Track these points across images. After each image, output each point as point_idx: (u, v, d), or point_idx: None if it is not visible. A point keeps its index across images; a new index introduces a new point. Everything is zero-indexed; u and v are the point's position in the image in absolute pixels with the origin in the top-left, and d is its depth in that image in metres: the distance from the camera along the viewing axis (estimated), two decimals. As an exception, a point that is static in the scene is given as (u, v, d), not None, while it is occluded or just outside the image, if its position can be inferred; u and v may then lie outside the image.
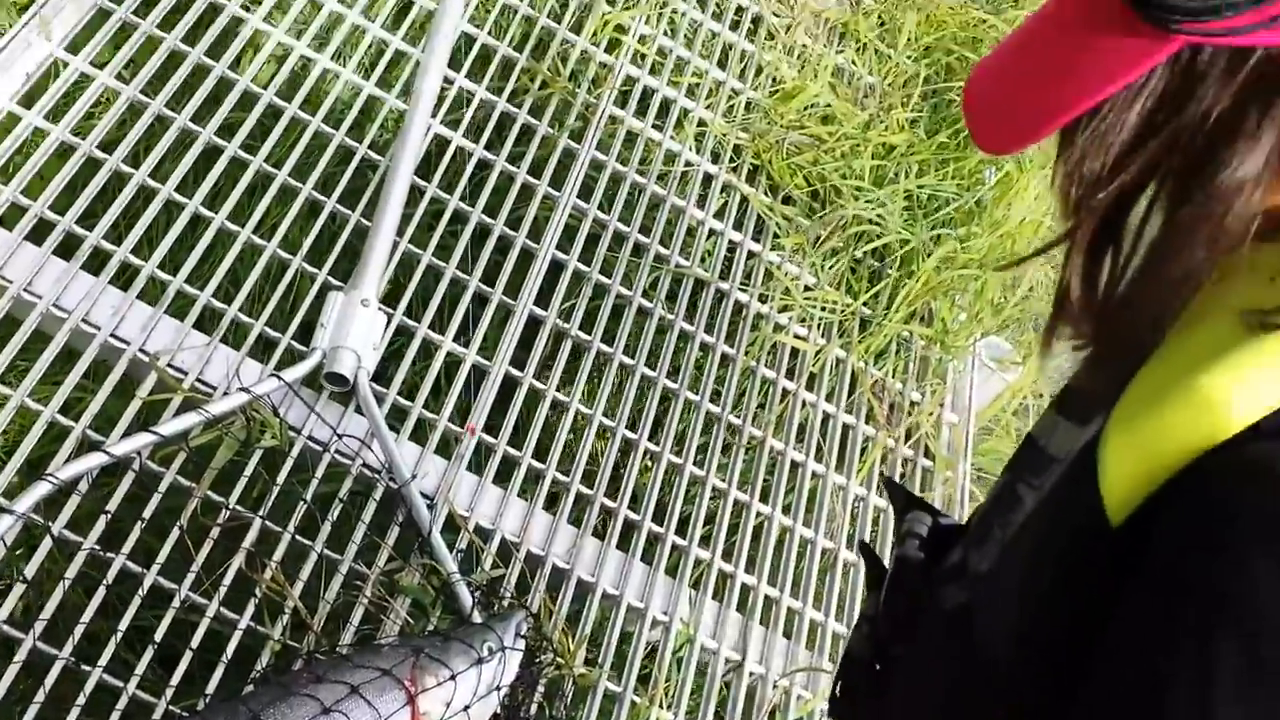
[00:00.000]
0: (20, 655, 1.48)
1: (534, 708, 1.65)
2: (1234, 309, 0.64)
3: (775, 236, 2.35)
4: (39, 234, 1.77)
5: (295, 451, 1.73)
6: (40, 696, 1.46)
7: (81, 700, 1.47)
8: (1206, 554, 0.60)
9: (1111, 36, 0.60)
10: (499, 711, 1.58)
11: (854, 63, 2.69)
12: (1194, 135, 0.60)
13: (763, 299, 2.27)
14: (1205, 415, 0.61)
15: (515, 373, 1.97)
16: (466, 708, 1.51)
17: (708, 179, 2.38)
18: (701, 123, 2.43)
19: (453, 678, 1.50)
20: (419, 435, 1.86)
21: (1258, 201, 0.60)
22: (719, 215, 2.34)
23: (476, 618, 1.67)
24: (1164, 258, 0.63)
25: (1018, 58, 0.67)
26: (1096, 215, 0.66)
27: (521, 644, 1.59)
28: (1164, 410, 0.63)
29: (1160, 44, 0.58)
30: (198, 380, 1.74)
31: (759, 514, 2.03)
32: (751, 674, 1.88)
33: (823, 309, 2.30)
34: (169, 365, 1.73)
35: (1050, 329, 0.71)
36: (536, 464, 1.90)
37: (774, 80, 2.57)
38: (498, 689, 1.55)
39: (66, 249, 1.78)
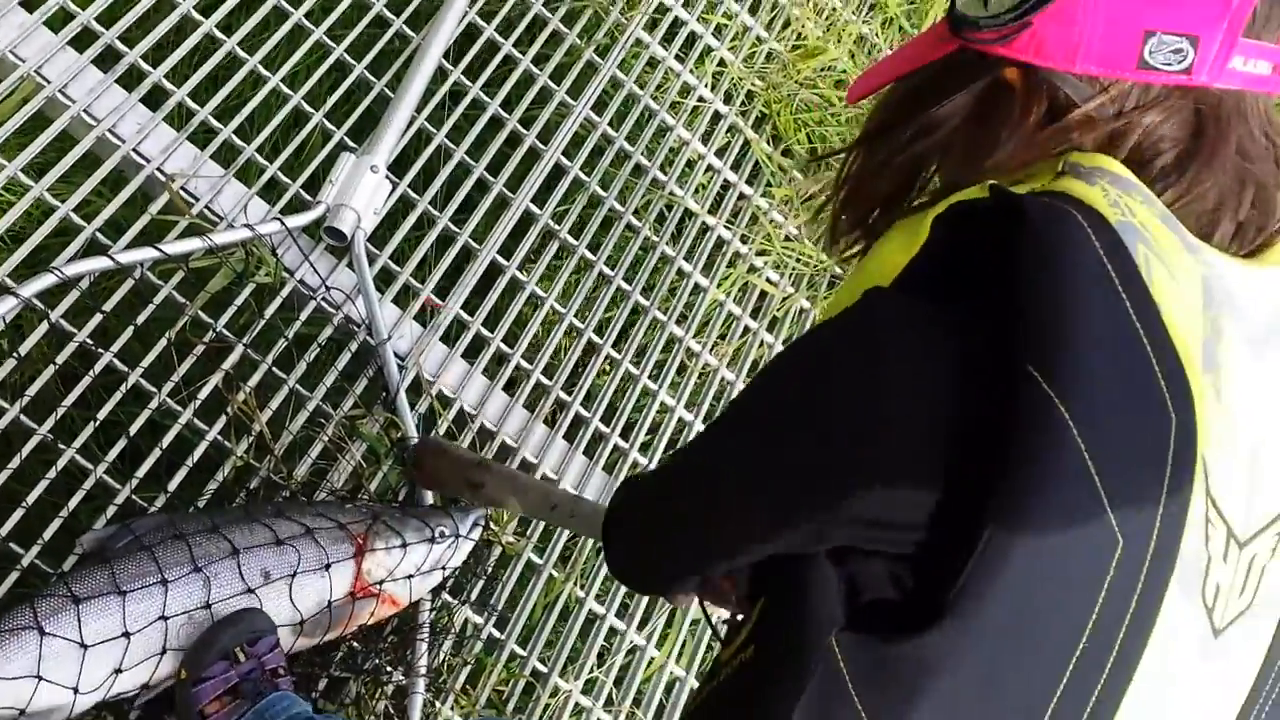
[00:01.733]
0: (1, 423, 1.60)
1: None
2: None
3: (768, 184, 2.47)
4: (81, 43, 1.86)
5: (285, 291, 1.85)
6: (14, 463, 1.58)
7: (51, 474, 1.59)
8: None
9: (934, 35, 0.97)
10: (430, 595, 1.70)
11: (878, 34, 2.79)
12: (934, 99, 0.99)
13: (744, 239, 2.39)
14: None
15: (501, 260, 2.09)
16: (408, 577, 1.63)
17: (717, 117, 2.49)
18: (722, 63, 2.53)
19: (403, 546, 1.62)
20: (401, 300, 1.99)
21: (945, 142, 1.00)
22: (720, 153, 2.46)
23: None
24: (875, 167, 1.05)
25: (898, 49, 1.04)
26: (870, 139, 1.06)
27: (477, 535, 1.71)
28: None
29: (948, 43, 0.94)
30: (206, 208, 1.85)
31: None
32: (663, 576, 2.03)
33: (798, 260, 2.42)
34: (182, 189, 1.84)
35: (834, 210, 1.11)
36: (505, 348, 2.03)
37: (798, 35, 2.67)
38: (441, 569, 1.67)
39: (103, 62, 1.87)
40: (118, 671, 1.43)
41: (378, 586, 1.61)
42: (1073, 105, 0.91)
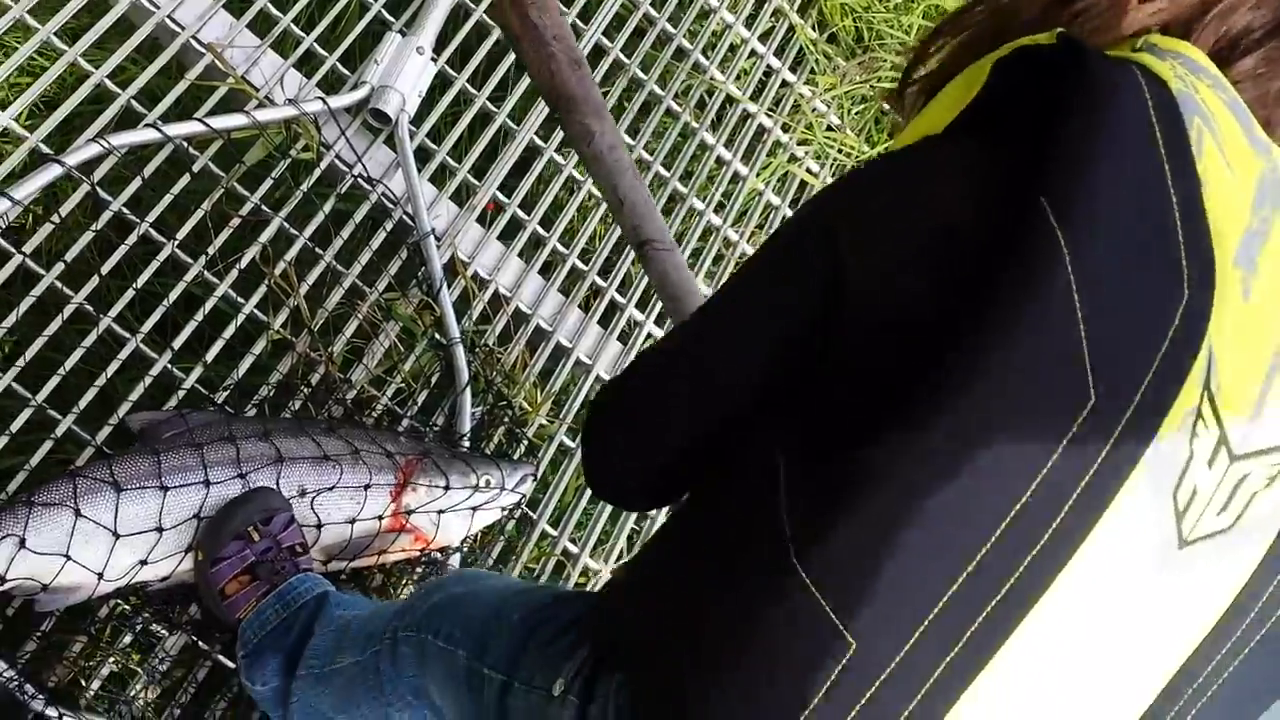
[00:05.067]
0: (38, 290, 1.58)
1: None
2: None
3: (812, 72, 2.41)
4: (110, -93, 1.82)
5: (323, 165, 1.82)
6: (51, 329, 1.57)
7: (88, 342, 1.59)
8: None
9: None
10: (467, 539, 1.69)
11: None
12: None
13: (785, 128, 2.34)
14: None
15: (539, 142, 2.06)
16: (440, 513, 1.61)
17: (761, 0, 2.42)
18: (768, -56, 2.46)
19: (445, 488, 1.60)
20: (438, 180, 1.96)
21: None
22: (764, 38, 2.40)
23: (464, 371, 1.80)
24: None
25: None
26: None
27: (525, 492, 1.69)
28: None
29: None
30: (243, 78, 1.81)
31: (735, 326, 2.15)
32: (694, 464, 2.03)
33: (840, 151, 2.38)
34: (219, 58, 1.81)
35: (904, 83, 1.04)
36: (541, 231, 2.01)
37: (848, -82, 2.59)
38: (473, 513, 1.65)
39: (137, -75, 1.83)
40: (143, 563, 1.43)
41: (408, 519, 1.60)
42: None
